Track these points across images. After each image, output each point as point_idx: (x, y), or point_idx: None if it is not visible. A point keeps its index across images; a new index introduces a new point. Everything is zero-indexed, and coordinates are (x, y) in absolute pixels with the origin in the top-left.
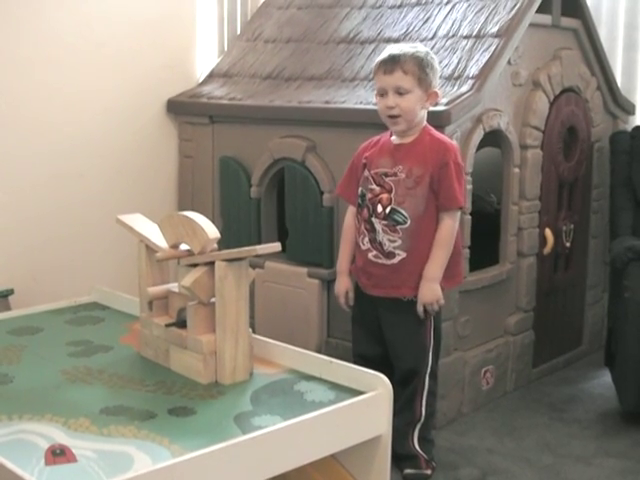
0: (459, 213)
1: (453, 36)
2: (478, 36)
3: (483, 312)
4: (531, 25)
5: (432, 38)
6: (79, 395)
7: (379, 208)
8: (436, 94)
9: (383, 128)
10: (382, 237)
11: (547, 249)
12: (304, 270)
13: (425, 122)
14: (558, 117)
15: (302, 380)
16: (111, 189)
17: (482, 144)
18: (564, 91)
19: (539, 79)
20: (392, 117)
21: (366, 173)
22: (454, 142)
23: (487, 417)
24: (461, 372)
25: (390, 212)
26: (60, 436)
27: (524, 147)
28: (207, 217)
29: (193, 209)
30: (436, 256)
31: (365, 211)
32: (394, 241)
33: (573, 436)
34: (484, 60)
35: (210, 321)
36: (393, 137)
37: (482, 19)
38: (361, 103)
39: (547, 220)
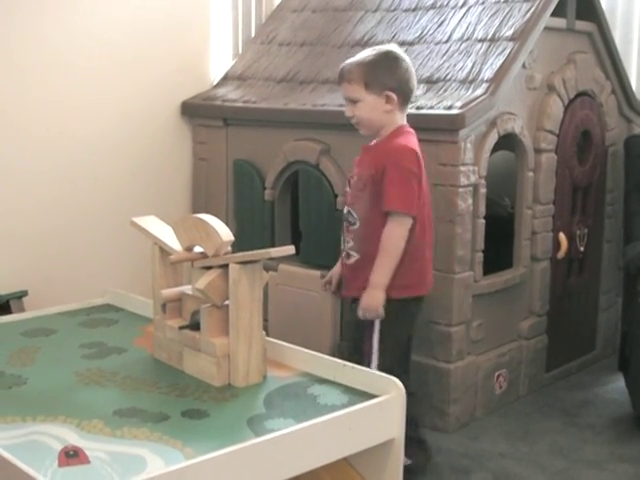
0: (408, 219)
1: (468, 39)
2: (493, 39)
3: (496, 316)
4: (546, 29)
5: (447, 41)
6: (92, 397)
7: (345, 209)
8: (391, 97)
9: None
10: (344, 237)
11: (561, 253)
12: (317, 273)
13: (397, 124)
14: (572, 121)
15: (315, 383)
16: (125, 192)
17: (496, 148)
18: (578, 95)
19: (553, 83)
20: (355, 124)
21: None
22: (412, 146)
23: (500, 421)
24: (474, 376)
25: (346, 213)
26: (73, 437)
27: (538, 151)
28: (221, 220)
29: (207, 212)
30: (377, 263)
31: None
32: (348, 242)
33: (586, 441)
34: (499, 63)
35: (224, 324)
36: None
37: (497, 22)
38: None
39: (561, 224)
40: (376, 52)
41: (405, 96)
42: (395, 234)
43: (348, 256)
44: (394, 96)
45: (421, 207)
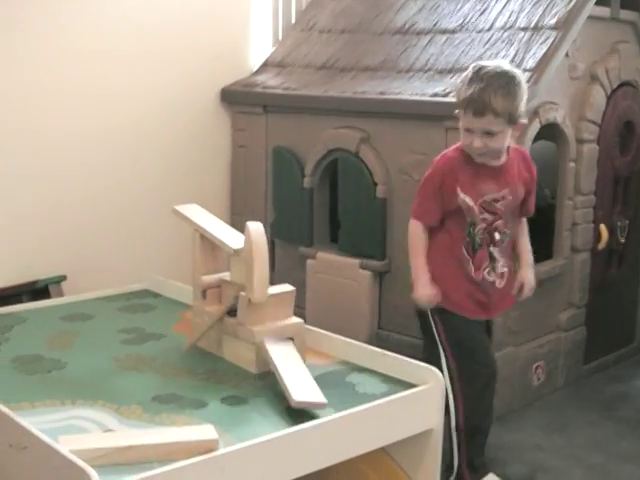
0: None
1: (510, 28)
2: (536, 28)
3: (535, 307)
4: (589, 17)
5: (489, 29)
6: (131, 382)
7: (496, 236)
8: (522, 124)
9: (438, 120)
10: (501, 264)
11: (601, 245)
12: (356, 262)
13: None
14: (615, 111)
15: (354, 372)
16: (164, 178)
17: (537, 137)
18: (621, 85)
19: (596, 72)
20: (480, 154)
21: (468, 201)
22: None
23: (537, 413)
24: (512, 367)
25: (501, 237)
26: (112, 423)
27: (580, 141)
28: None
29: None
30: (528, 245)
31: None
32: (499, 260)
33: (623, 435)
34: (541, 52)
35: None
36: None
37: (540, 11)
38: (416, 95)
39: (602, 215)
40: (509, 78)
41: None
42: None
43: (502, 276)
44: (525, 122)
45: None
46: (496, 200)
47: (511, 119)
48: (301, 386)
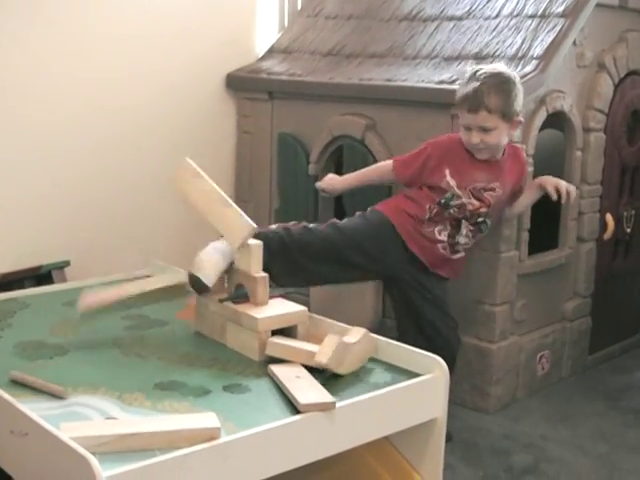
0: None
1: (517, 15)
2: (543, 16)
3: (540, 296)
4: (597, 5)
5: (496, 17)
6: (134, 369)
7: (478, 218)
8: (519, 121)
9: (444, 108)
10: (461, 238)
11: (607, 235)
12: None
13: None
14: (622, 100)
15: None
16: (169, 163)
17: (544, 126)
18: (629, 74)
19: (604, 61)
20: (478, 150)
21: (452, 184)
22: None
23: (541, 403)
24: (516, 357)
25: (481, 222)
26: (114, 410)
27: (587, 130)
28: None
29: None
30: None
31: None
32: (467, 243)
33: (629, 425)
34: (549, 40)
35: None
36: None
37: None
38: (422, 81)
39: (608, 205)
40: (504, 77)
41: None
42: None
43: (456, 252)
44: (522, 120)
45: None
46: (485, 189)
47: (505, 116)
48: (306, 389)
